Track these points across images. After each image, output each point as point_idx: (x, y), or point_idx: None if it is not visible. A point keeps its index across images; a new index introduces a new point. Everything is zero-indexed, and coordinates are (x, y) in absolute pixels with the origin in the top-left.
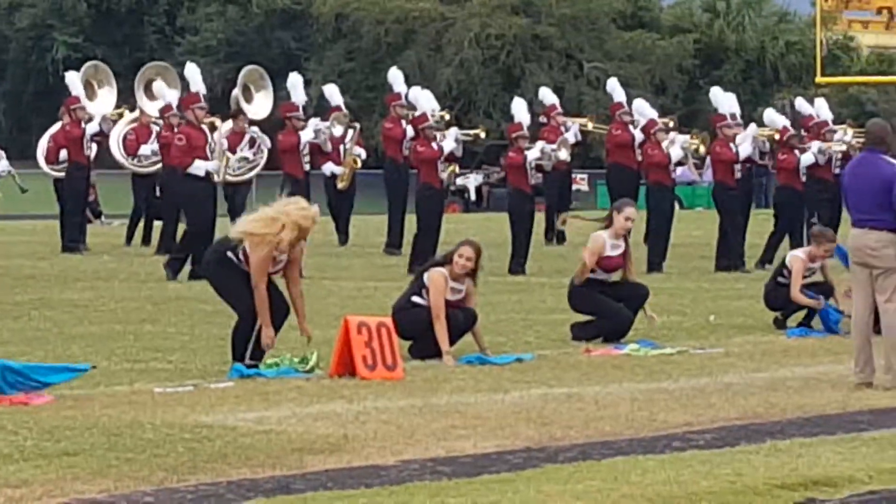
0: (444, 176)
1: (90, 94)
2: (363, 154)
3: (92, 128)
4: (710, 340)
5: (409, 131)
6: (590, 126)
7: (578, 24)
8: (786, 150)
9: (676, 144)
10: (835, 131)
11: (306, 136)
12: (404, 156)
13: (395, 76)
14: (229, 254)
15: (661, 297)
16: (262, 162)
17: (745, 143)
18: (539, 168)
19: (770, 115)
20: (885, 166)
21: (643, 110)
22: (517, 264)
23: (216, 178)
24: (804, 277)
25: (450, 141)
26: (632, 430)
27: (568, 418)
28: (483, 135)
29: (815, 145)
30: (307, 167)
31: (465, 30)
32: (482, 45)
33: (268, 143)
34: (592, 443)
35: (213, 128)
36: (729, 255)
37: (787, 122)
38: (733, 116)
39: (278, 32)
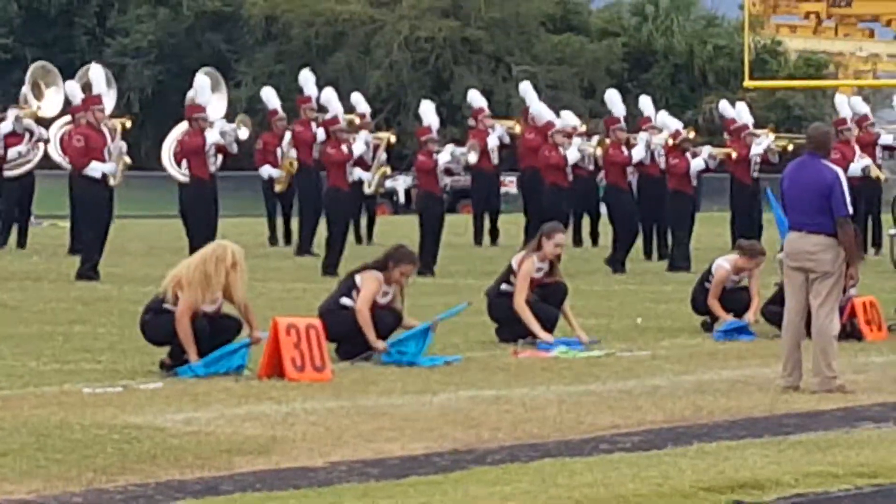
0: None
1: (37, 94)
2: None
3: (5, 127)
4: (637, 343)
5: (320, 134)
6: (517, 129)
7: (507, 27)
8: (677, 155)
9: (573, 147)
10: (756, 135)
11: (212, 137)
12: (314, 158)
13: (306, 78)
14: (166, 305)
15: (588, 300)
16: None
17: (638, 147)
18: (448, 171)
19: (663, 118)
20: (826, 170)
21: (545, 115)
22: (425, 266)
23: (112, 181)
24: (732, 284)
25: (360, 144)
26: (559, 432)
27: (496, 420)
28: (393, 139)
29: (706, 150)
30: (212, 168)
31: (394, 32)
32: (411, 47)
33: (45, 135)
34: (520, 445)
35: (124, 129)
36: (619, 258)
37: (680, 126)
38: (650, 119)
39: (209, 34)
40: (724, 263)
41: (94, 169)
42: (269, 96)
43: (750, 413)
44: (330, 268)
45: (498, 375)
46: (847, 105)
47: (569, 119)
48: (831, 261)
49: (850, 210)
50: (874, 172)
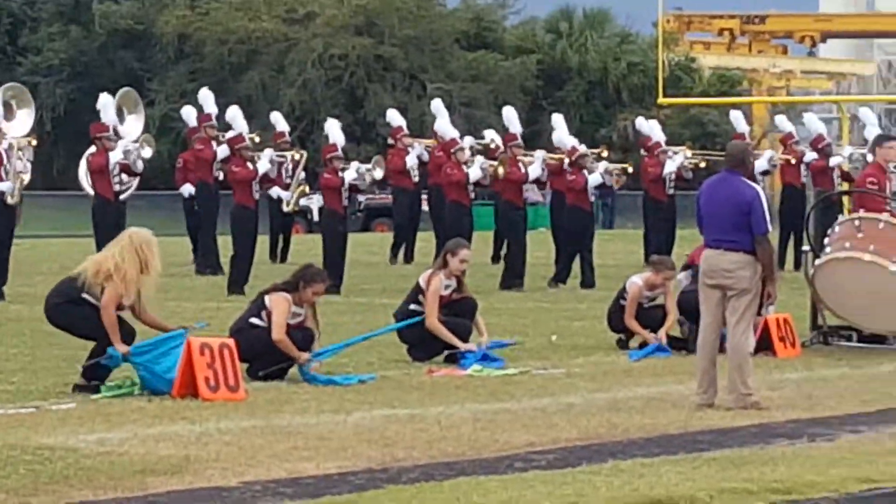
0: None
1: (8, 114)
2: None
3: None
4: (552, 361)
5: (221, 152)
6: None
7: (422, 44)
8: (575, 171)
9: (476, 165)
10: (666, 151)
11: (115, 156)
12: (215, 177)
13: (206, 97)
14: (84, 295)
15: (502, 318)
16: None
17: (535, 165)
18: (354, 188)
19: (559, 136)
20: (745, 188)
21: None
22: (331, 284)
23: (9, 200)
24: (647, 301)
25: (264, 162)
26: (474, 450)
27: (410, 439)
28: (298, 156)
29: (602, 165)
30: (117, 187)
31: (308, 50)
32: (325, 65)
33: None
34: (435, 463)
35: (32, 147)
36: (513, 275)
37: (576, 143)
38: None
39: (121, 52)
40: (636, 280)
41: None
42: (189, 115)
43: (664, 430)
44: (235, 286)
45: (412, 394)
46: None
47: (493, 137)
48: (749, 278)
49: (769, 227)
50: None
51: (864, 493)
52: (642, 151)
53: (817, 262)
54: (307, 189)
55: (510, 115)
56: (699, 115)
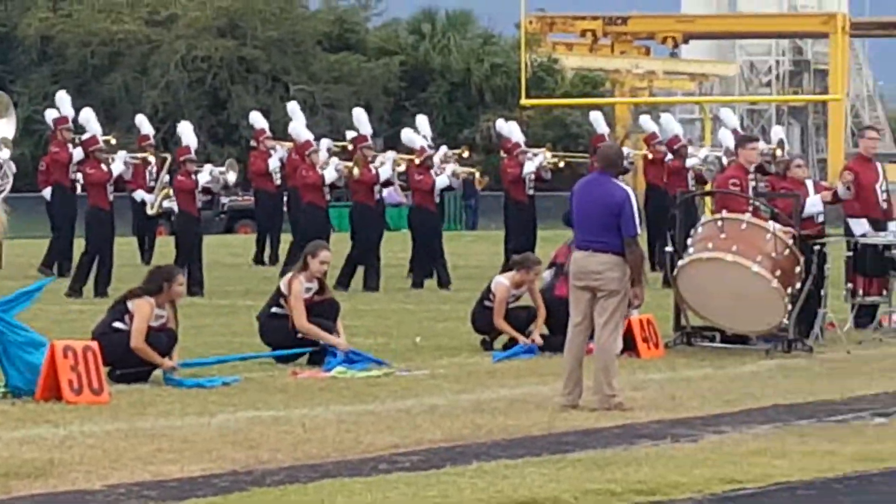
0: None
1: None
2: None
3: None
4: (415, 362)
5: (77, 154)
6: None
7: (284, 46)
8: (422, 171)
9: (331, 167)
10: (526, 152)
11: None
12: (72, 179)
13: (62, 99)
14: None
15: (366, 319)
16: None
17: (385, 166)
18: (207, 191)
19: (408, 135)
20: (616, 188)
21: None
22: (194, 285)
23: None
24: (512, 300)
25: (118, 164)
26: (338, 452)
27: (275, 441)
28: (152, 159)
29: (450, 168)
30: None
31: (171, 52)
32: (188, 67)
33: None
34: (299, 465)
35: None
36: (421, 275)
37: (425, 143)
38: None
39: None
40: (503, 281)
41: None
42: (52, 117)
43: (528, 431)
44: (74, 287)
45: (276, 396)
46: (602, 122)
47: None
48: (617, 279)
49: (638, 230)
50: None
51: (727, 493)
52: (502, 153)
53: (680, 262)
54: (171, 192)
55: (360, 116)
56: (562, 116)
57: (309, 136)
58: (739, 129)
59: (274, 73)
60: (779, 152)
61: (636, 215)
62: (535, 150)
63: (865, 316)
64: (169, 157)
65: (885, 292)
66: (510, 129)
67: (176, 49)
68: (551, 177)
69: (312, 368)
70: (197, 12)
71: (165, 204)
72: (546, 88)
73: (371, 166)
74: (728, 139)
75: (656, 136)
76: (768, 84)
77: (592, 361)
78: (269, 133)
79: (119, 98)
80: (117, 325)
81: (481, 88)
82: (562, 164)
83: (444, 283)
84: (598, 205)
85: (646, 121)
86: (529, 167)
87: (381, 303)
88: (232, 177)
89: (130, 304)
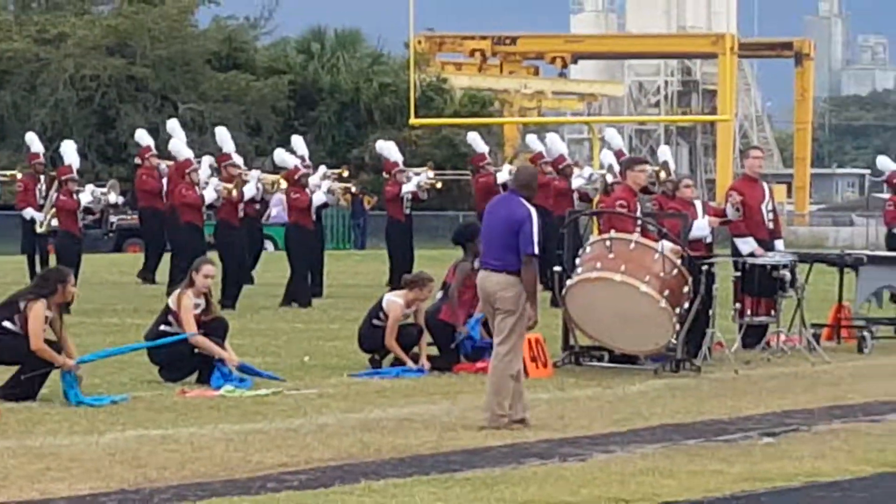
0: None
1: None
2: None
3: None
4: (304, 381)
5: None
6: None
7: (173, 65)
8: (297, 189)
9: (211, 186)
10: (405, 171)
11: None
12: None
13: None
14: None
15: (255, 338)
16: None
17: (249, 185)
18: (89, 210)
19: (280, 155)
20: (519, 207)
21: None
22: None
23: None
24: (404, 319)
25: None
26: (227, 471)
27: (163, 460)
28: (20, 175)
29: (325, 185)
30: None
31: (60, 70)
32: (77, 85)
33: None
34: (187, 484)
35: None
36: (296, 295)
37: (298, 163)
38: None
39: None
40: (395, 299)
41: None
42: (33, 140)
43: (417, 450)
44: None
45: (165, 414)
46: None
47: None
48: (511, 299)
49: (536, 249)
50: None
51: None
52: (384, 173)
53: (569, 282)
54: None
55: (223, 135)
56: (450, 136)
57: (189, 154)
58: (624, 150)
59: (163, 91)
60: (663, 174)
61: (535, 234)
62: (417, 170)
63: (753, 336)
64: (15, 173)
65: (773, 312)
66: (389, 149)
67: (65, 67)
68: (434, 196)
69: (201, 387)
70: (86, 31)
71: (54, 222)
72: (435, 108)
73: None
74: (611, 159)
75: (542, 156)
76: (657, 104)
77: (487, 380)
78: (154, 151)
79: (8, 116)
80: (7, 325)
81: (370, 108)
82: (439, 185)
83: (306, 302)
84: (502, 223)
85: (532, 140)
86: (408, 187)
87: (270, 321)
88: (113, 197)
89: (22, 305)
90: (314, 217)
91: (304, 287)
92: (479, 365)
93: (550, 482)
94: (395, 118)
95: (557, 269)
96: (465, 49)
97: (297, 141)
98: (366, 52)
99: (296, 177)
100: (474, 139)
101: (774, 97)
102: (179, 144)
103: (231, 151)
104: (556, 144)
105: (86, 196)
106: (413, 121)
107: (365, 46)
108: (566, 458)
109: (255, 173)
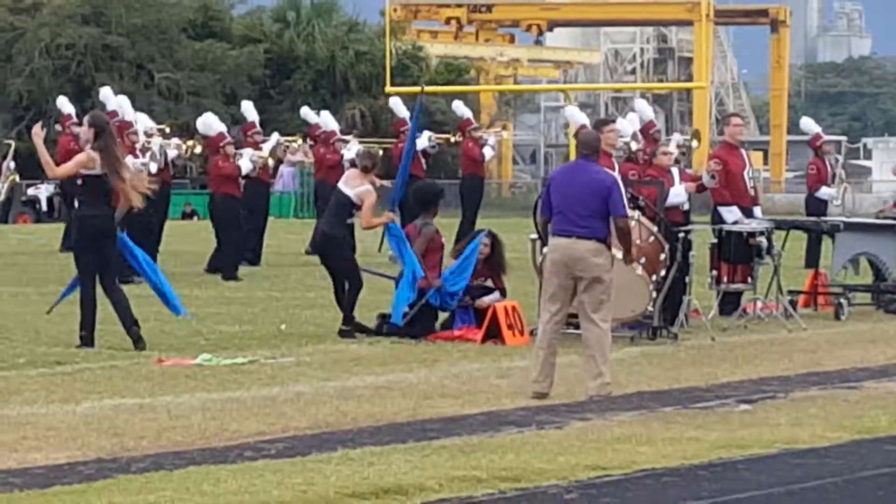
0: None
1: None
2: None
3: None
4: (280, 350)
5: None
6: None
7: (149, 33)
8: (223, 159)
9: (245, 158)
10: (345, 141)
11: None
12: None
13: None
14: None
15: (232, 307)
16: None
17: (244, 160)
18: None
19: (207, 120)
20: (601, 173)
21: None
22: None
23: None
24: None
25: None
26: (204, 440)
27: (140, 429)
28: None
29: (248, 153)
30: None
31: (35, 40)
32: (53, 55)
33: None
34: (164, 453)
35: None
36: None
37: (224, 130)
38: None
39: None
40: (363, 187)
41: None
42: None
43: (394, 418)
44: None
45: (142, 383)
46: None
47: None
48: (603, 266)
49: (628, 211)
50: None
51: (592, 480)
52: (309, 140)
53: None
54: (17, 178)
55: (123, 103)
56: (427, 104)
57: (221, 128)
58: (655, 122)
59: (139, 60)
60: (634, 144)
61: (624, 197)
62: (346, 138)
63: (730, 304)
64: (12, 144)
65: (749, 280)
66: (324, 119)
67: (40, 37)
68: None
69: (178, 356)
70: (62, 0)
71: (30, 192)
72: (411, 76)
73: (230, 160)
74: (636, 126)
75: (471, 122)
76: (633, 72)
77: (584, 348)
78: (74, 119)
79: None
80: None
81: (346, 76)
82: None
83: (230, 275)
84: (585, 190)
85: (459, 106)
86: (347, 154)
87: (245, 290)
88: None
89: None
90: (242, 186)
91: (230, 258)
92: (457, 333)
93: (527, 450)
94: (370, 86)
95: (533, 236)
96: (440, 17)
97: (248, 106)
98: (341, 21)
99: (222, 144)
100: (458, 106)
101: (750, 65)
102: (211, 118)
103: (132, 120)
104: (644, 111)
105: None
106: (389, 89)
107: (340, 15)
108: (543, 425)
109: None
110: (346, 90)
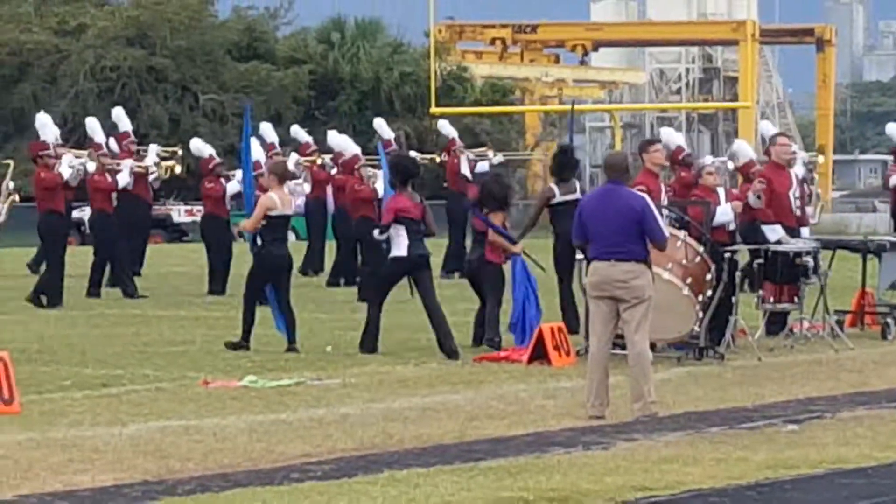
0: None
1: None
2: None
3: None
4: (327, 371)
5: None
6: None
7: (194, 55)
8: (212, 180)
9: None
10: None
11: None
12: None
13: None
14: None
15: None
16: None
17: (123, 173)
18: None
19: (196, 144)
20: (633, 197)
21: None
22: None
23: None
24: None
25: None
26: (250, 461)
27: (186, 451)
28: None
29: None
30: None
31: (80, 62)
32: (98, 77)
33: None
34: (210, 475)
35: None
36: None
37: (213, 152)
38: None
39: None
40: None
41: None
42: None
43: (440, 440)
44: None
45: (188, 405)
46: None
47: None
48: (643, 287)
49: (667, 234)
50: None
51: (639, 500)
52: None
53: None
54: (17, 199)
55: (92, 125)
56: (472, 125)
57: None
58: (683, 147)
59: (183, 82)
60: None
61: (660, 219)
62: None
63: (776, 323)
64: (11, 164)
65: (796, 299)
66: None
67: (85, 59)
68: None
69: (224, 377)
70: (106, 22)
71: (75, 213)
72: (456, 97)
73: (106, 175)
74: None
75: (456, 142)
76: (678, 91)
77: (628, 369)
78: (132, 137)
79: (28, 108)
80: None
81: (391, 97)
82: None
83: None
84: (619, 216)
85: (444, 126)
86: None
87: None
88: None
89: None
90: (228, 207)
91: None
92: (503, 354)
93: (574, 471)
94: (415, 107)
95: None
96: (485, 37)
97: (267, 128)
98: (386, 42)
99: (210, 167)
100: (443, 125)
101: (795, 84)
102: (200, 143)
103: (102, 143)
104: (445, 129)
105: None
106: (434, 110)
107: (385, 35)
108: (590, 446)
109: (126, 163)
110: (391, 111)
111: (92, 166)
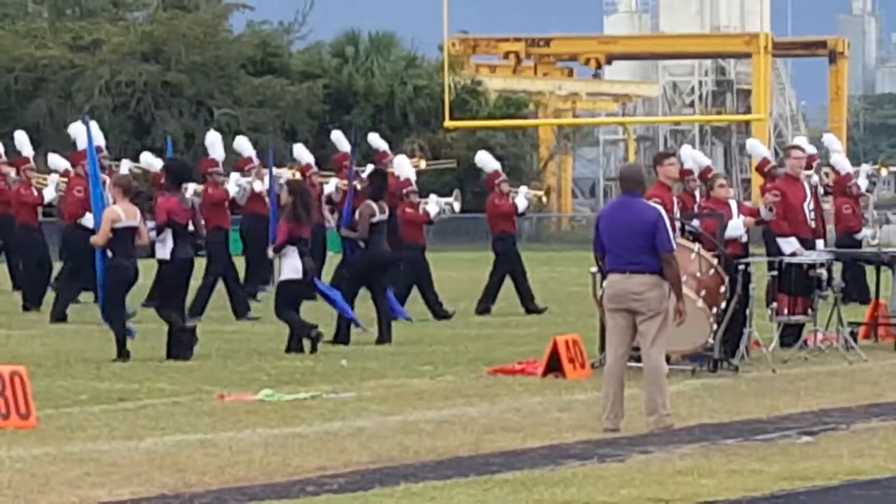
0: None
1: None
2: None
3: None
4: (342, 384)
5: None
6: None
7: (208, 70)
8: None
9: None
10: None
11: None
12: None
13: None
14: None
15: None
16: None
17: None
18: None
19: (146, 158)
20: (647, 209)
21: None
22: None
23: None
24: None
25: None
26: (266, 475)
27: (202, 465)
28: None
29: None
30: None
31: (95, 77)
32: (113, 92)
33: None
34: (227, 489)
35: None
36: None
37: (160, 167)
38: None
39: None
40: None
41: None
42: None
43: (456, 452)
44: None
45: (204, 419)
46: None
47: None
48: (657, 299)
49: (674, 245)
50: None
51: None
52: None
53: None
54: None
55: (20, 139)
56: (486, 138)
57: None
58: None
59: (198, 97)
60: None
61: (671, 231)
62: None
63: (790, 335)
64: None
65: (810, 311)
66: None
67: (100, 74)
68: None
69: (240, 391)
70: (121, 37)
71: None
72: (470, 110)
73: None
74: (842, 162)
75: (387, 155)
76: (691, 104)
77: (644, 380)
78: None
79: (43, 123)
80: None
81: (405, 111)
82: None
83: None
84: (632, 227)
85: (374, 139)
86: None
87: None
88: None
89: None
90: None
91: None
92: (518, 367)
93: (589, 483)
94: (429, 121)
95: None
96: (499, 51)
97: (299, 149)
98: (400, 56)
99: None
100: (374, 139)
101: (808, 96)
102: (150, 157)
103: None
104: (698, 157)
105: None
106: (448, 123)
107: (399, 49)
108: (605, 458)
109: (51, 179)
110: (406, 125)
111: (259, 185)
